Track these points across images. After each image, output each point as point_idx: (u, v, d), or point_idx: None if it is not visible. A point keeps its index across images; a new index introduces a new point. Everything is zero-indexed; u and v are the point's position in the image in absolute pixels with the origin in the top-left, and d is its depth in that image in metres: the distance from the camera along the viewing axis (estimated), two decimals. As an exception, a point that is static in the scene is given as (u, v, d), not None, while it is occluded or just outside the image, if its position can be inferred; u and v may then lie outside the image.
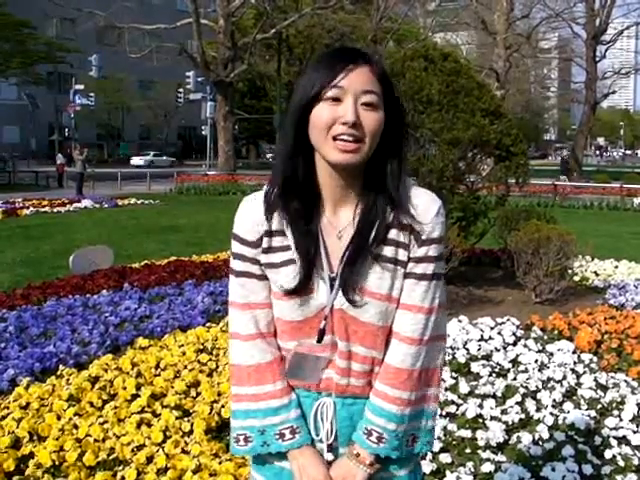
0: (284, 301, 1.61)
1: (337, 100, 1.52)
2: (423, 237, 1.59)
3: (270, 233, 1.62)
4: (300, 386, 1.66)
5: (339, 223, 1.63)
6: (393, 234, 1.60)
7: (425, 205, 1.61)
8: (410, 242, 1.60)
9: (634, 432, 3.86)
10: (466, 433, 3.78)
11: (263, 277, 1.65)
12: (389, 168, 1.60)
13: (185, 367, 4.80)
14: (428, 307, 1.61)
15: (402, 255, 1.60)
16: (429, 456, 3.53)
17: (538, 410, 4.14)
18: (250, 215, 1.64)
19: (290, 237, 1.60)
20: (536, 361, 5.06)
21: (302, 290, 1.59)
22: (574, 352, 5.34)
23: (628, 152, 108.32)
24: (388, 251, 1.59)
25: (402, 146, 1.63)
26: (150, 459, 3.49)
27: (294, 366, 1.64)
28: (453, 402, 4.22)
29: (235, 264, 1.67)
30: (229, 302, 1.71)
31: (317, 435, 1.63)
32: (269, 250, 1.62)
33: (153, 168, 39.50)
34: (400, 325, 1.61)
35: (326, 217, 1.63)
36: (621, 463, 3.56)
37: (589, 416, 4.08)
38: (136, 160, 50.15)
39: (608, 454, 3.64)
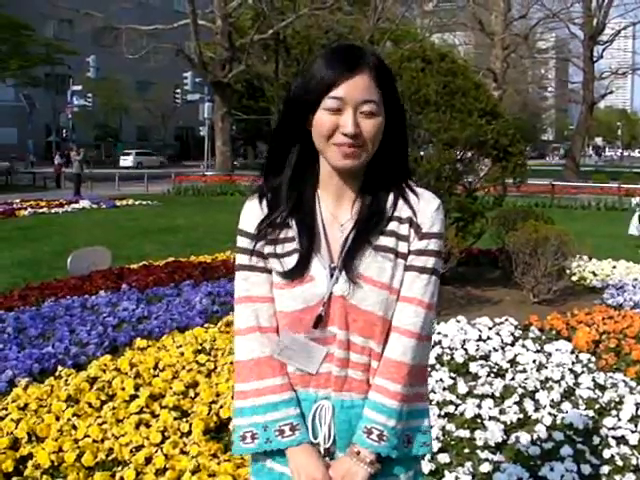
0: (286, 290, 1.64)
1: (337, 110, 1.56)
2: (423, 230, 1.64)
3: (273, 225, 1.66)
4: (298, 382, 1.65)
5: (342, 216, 1.68)
6: (393, 226, 1.64)
7: (426, 200, 1.67)
8: (410, 235, 1.64)
9: (632, 432, 3.87)
10: (464, 433, 3.79)
11: (265, 270, 1.68)
12: (392, 164, 1.67)
13: (183, 368, 4.80)
14: (428, 302, 1.64)
15: (402, 247, 1.64)
16: (427, 456, 3.53)
17: (536, 410, 4.14)
18: (254, 209, 1.70)
19: (293, 228, 1.65)
20: (534, 361, 5.06)
21: (303, 278, 1.62)
22: (572, 352, 5.34)
23: (626, 153, 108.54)
24: (388, 242, 1.63)
25: (405, 142, 1.69)
26: (149, 460, 3.49)
27: (284, 344, 1.64)
28: (451, 402, 4.23)
29: (239, 258, 1.71)
30: (234, 300, 1.73)
31: (315, 438, 1.63)
32: (271, 242, 1.66)
33: (142, 169, 37.22)
34: (401, 318, 1.63)
35: (329, 210, 1.68)
36: (619, 463, 3.57)
37: (587, 416, 4.08)
38: (126, 160, 47.94)
39: (607, 454, 3.64)
